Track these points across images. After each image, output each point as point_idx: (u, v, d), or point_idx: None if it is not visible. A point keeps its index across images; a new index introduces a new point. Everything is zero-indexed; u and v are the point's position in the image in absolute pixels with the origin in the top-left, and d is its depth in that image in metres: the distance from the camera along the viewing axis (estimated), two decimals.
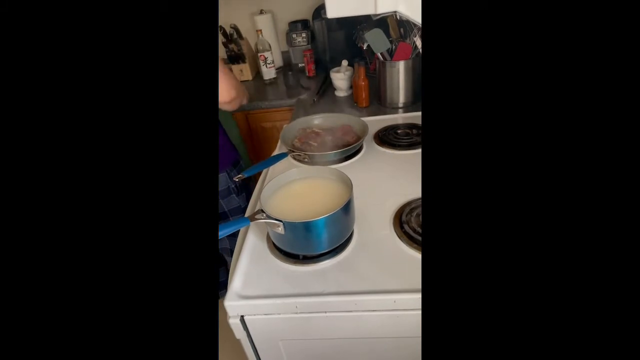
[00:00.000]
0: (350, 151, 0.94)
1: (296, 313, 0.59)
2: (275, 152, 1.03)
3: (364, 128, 0.98)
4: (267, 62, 1.64)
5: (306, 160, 0.94)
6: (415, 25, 1.09)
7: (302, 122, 1.07)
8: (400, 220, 0.69)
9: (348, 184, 0.66)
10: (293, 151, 0.95)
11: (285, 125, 1.05)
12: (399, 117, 1.16)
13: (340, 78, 1.39)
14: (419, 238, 0.64)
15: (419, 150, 0.93)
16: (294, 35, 1.70)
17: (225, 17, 1.75)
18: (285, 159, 0.93)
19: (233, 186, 1.14)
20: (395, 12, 0.42)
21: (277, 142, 1.07)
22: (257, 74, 1.79)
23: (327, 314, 0.59)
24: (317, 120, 1.08)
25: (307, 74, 1.67)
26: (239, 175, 0.80)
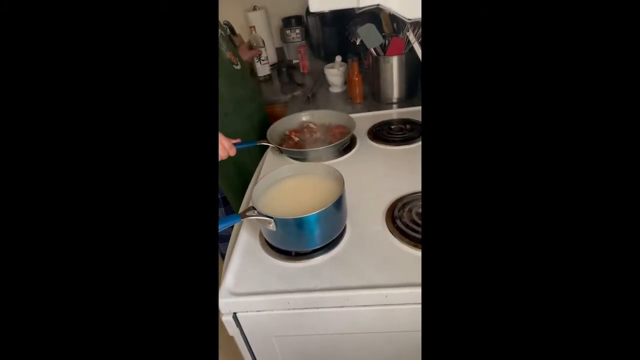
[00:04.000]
0: (340, 147, 0.94)
1: (289, 309, 0.59)
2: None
3: (351, 123, 0.98)
4: (261, 58, 1.63)
5: (299, 156, 0.94)
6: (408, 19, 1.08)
7: (286, 121, 1.06)
8: (393, 216, 0.69)
9: (340, 180, 0.66)
10: (280, 148, 0.95)
11: (271, 125, 1.03)
12: (394, 113, 1.16)
13: (334, 74, 1.39)
14: (411, 233, 0.64)
15: (413, 146, 0.93)
16: (288, 31, 1.69)
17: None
18: (279, 157, 0.93)
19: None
20: (377, 5, 0.42)
21: None
22: (251, 70, 1.78)
23: (320, 310, 0.59)
24: (305, 117, 1.07)
25: (302, 70, 1.66)
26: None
